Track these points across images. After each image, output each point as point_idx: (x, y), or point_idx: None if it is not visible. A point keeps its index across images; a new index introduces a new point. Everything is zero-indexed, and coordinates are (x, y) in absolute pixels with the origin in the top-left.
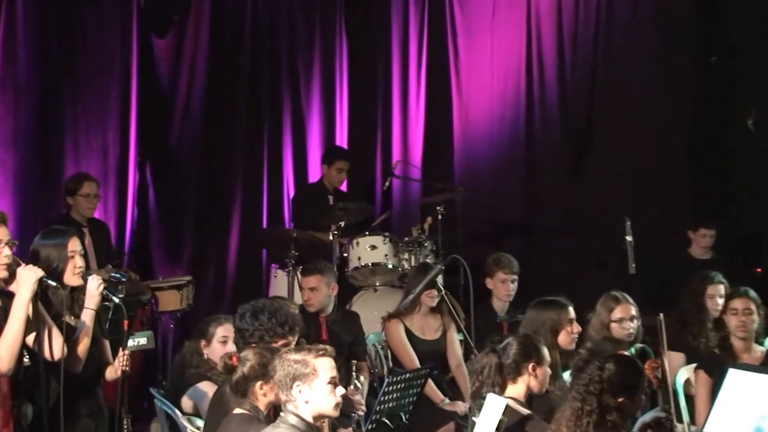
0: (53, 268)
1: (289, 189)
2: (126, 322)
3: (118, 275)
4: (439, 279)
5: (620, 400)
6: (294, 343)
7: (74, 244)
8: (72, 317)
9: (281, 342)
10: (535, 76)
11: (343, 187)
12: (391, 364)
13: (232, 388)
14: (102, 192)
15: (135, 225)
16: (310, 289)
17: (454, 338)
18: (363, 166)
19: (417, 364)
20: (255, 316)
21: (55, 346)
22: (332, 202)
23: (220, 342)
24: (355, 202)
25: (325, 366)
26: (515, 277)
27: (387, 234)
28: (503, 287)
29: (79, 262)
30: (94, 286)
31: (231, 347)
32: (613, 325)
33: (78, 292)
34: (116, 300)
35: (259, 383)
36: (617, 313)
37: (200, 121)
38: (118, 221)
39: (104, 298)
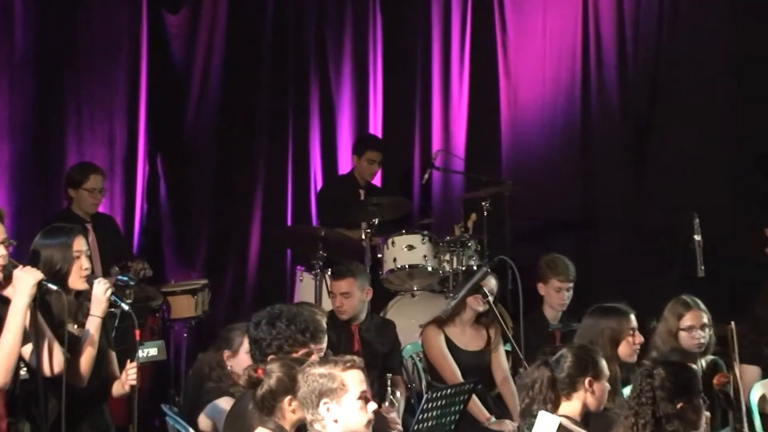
0: (56, 270)
1: (317, 182)
2: (137, 332)
3: (125, 278)
4: (491, 284)
5: (679, 405)
6: (319, 352)
7: (80, 244)
8: (75, 326)
9: (302, 351)
10: (592, 56)
11: (377, 181)
12: (429, 378)
13: (256, 404)
14: (107, 185)
15: (144, 222)
16: (342, 294)
17: (500, 350)
18: (399, 157)
19: (459, 377)
20: (271, 323)
21: (55, 359)
22: (364, 197)
23: (248, 353)
24: (390, 196)
25: (354, 379)
26: (571, 284)
27: (426, 233)
28: (557, 296)
29: (85, 263)
30: (101, 290)
31: None
32: (682, 334)
33: (82, 298)
34: (125, 307)
35: (287, 398)
36: (687, 321)
37: (217, 107)
38: (126, 217)
39: (111, 304)
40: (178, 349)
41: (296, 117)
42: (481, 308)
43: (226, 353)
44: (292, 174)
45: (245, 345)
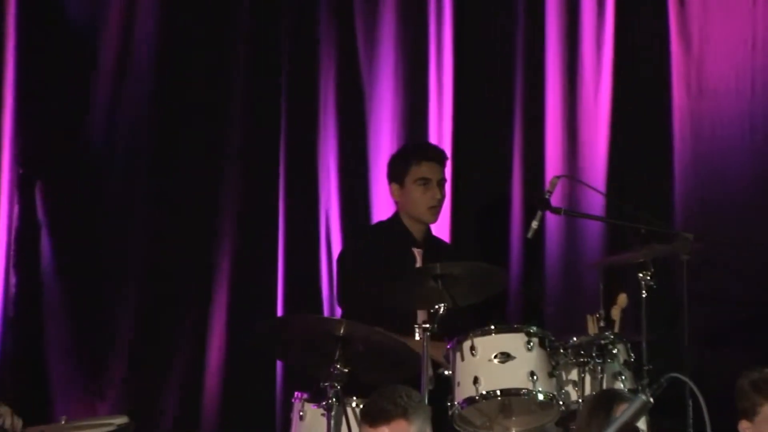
0: None
1: (332, 240)
2: None
3: None
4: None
5: None
6: None
7: None
8: None
9: None
10: None
11: (444, 233)
12: None
13: None
14: None
15: (11, 306)
16: None
17: None
18: (485, 192)
19: None
20: None
21: None
22: (420, 262)
23: None
24: (467, 261)
25: None
26: None
27: (534, 329)
28: None
29: None
30: None
31: None
32: None
33: None
34: None
35: None
36: None
37: (149, 98)
38: None
39: None
40: None
41: (294, 125)
42: None
43: None
44: (284, 224)
45: None
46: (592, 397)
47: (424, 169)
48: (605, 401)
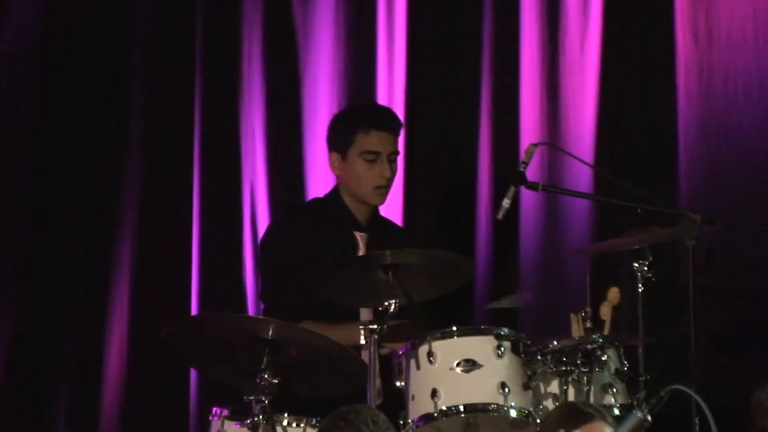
0: None
1: (258, 218)
2: None
3: None
4: None
5: None
6: None
7: None
8: None
9: None
10: None
11: (395, 215)
12: None
13: None
14: None
15: None
16: None
17: None
18: (446, 159)
19: None
20: None
21: None
22: (364, 249)
23: None
24: (424, 248)
25: None
26: None
27: (506, 331)
28: None
29: None
30: None
31: None
32: None
33: None
34: None
35: None
36: None
37: (35, 39)
38: None
39: None
40: None
41: (211, 79)
42: None
43: None
44: (200, 201)
45: None
46: (551, 414)
47: (372, 141)
48: (565, 420)
